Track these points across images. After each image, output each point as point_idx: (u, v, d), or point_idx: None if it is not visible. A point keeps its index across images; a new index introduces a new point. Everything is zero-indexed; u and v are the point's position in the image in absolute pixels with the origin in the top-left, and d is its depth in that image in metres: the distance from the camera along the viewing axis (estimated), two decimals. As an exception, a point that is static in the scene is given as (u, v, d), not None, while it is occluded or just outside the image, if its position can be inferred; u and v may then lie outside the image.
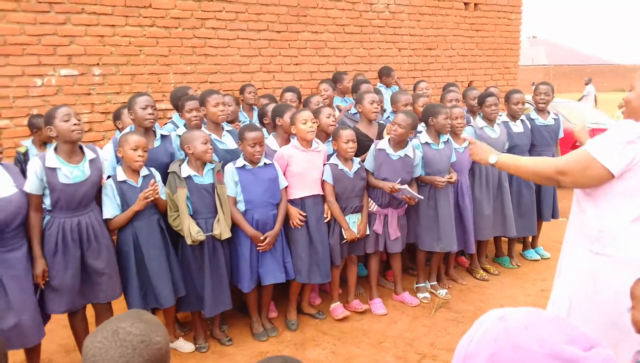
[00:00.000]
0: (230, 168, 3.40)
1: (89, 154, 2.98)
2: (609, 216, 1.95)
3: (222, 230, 3.25)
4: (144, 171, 3.16)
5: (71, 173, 2.86)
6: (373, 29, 6.16)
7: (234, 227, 3.37)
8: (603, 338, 1.85)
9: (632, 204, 1.90)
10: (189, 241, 3.17)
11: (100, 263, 2.99)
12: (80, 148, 2.98)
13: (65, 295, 2.92)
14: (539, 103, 4.75)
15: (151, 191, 3.03)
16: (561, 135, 4.84)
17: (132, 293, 3.13)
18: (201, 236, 3.19)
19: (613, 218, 1.94)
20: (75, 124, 2.83)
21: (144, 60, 4.77)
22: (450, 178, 3.95)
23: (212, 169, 3.33)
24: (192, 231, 3.16)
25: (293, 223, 3.52)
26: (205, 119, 3.64)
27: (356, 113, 4.42)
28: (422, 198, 3.80)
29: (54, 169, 2.82)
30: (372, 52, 6.20)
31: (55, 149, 2.88)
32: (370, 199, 3.83)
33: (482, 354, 0.83)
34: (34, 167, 2.79)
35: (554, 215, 4.86)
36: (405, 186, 3.62)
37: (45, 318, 2.98)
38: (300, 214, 3.52)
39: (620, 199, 1.91)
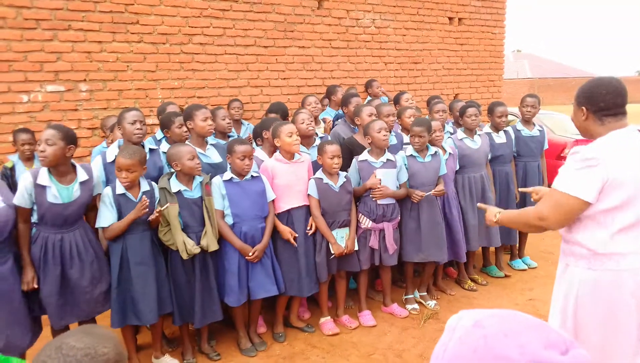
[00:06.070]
0: (217, 181, 3.40)
1: (82, 176, 2.98)
2: (597, 235, 1.98)
3: (209, 242, 3.25)
4: (144, 186, 3.16)
5: (60, 193, 2.87)
6: (359, 43, 6.23)
7: (221, 241, 3.36)
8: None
9: (615, 219, 1.95)
10: (184, 256, 3.17)
11: (84, 281, 2.99)
12: (74, 167, 2.99)
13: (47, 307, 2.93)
14: (525, 115, 4.83)
15: (147, 203, 3.02)
16: (546, 146, 4.92)
17: (114, 307, 3.13)
18: (196, 249, 3.20)
19: (601, 236, 1.97)
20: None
21: (131, 75, 4.78)
22: (440, 191, 3.97)
23: (201, 182, 3.33)
24: (187, 245, 3.16)
25: (285, 238, 3.52)
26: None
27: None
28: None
29: (43, 187, 2.84)
30: (359, 66, 6.26)
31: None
32: (362, 216, 3.82)
33: None
34: (24, 182, 2.83)
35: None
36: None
37: (37, 329, 3.01)
38: (291, 233, 3.53)
39: (605, 216, 1.96)
